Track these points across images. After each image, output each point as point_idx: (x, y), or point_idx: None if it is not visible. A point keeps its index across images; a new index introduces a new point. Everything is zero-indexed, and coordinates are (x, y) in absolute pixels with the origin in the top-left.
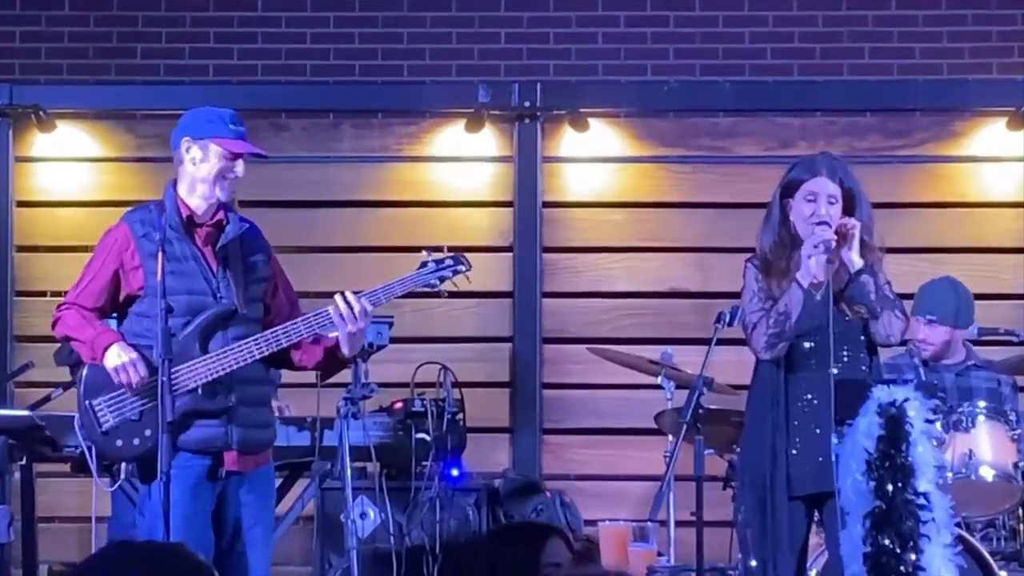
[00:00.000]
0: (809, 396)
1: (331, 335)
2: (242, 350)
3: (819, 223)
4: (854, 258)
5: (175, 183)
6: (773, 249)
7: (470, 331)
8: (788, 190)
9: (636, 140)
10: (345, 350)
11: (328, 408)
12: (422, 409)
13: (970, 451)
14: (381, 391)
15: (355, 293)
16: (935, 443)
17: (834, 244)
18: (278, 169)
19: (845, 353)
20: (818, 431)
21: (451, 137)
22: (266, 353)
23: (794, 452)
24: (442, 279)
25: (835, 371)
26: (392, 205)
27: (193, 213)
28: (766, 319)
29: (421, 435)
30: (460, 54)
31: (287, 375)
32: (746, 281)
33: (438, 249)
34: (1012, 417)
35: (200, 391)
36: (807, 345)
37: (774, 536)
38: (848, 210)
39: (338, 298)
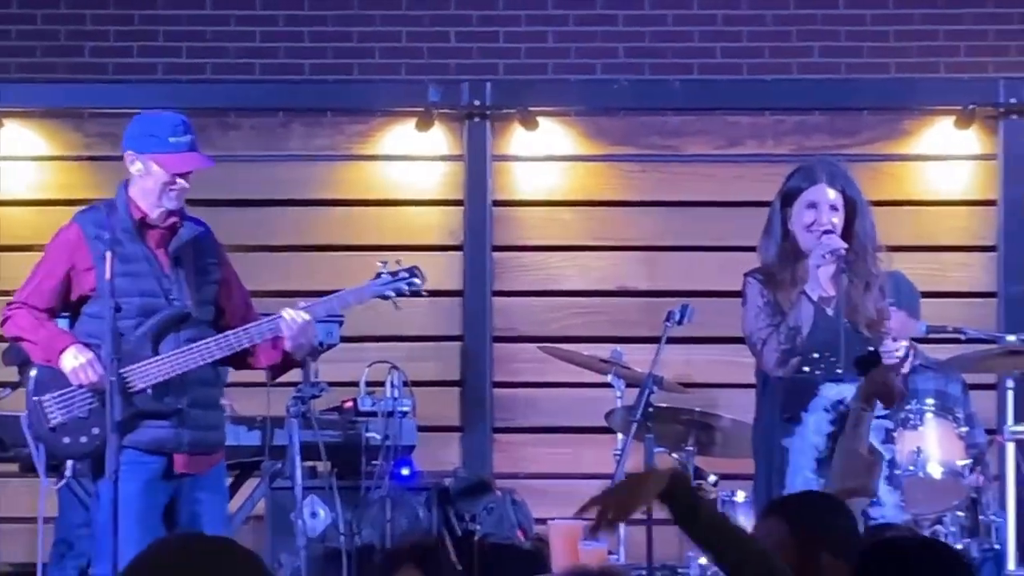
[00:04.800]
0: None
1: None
2: (196, 352)
3: (825, 231)
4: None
5: (127, 184)
6: (776, 261)
7: (420, 330)
8: (788, 199)
9: (586, 139)
10: (296, 356)
11: (278, 407)
12: (372, 408)
13: (918, 448)
14: (331, 390)
15: (308, 301)
16: (884, 441)
17: (843, 252)
18: (228, 168)
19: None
20: None
21: (401, 136)
22: (220, 356)
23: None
24: (397, 291)
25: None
26: (342, 204)
27: (146, 215)
28: (776, 335)
29: (371, 434)
30: (410, 53)
31: (237, 374)
32: (748, 297)
33: (396, 249)
34: (960, 415)
35: (151, 392)
36: (810, 364)
37: None
38: (849, 218)
39: (284, 314)
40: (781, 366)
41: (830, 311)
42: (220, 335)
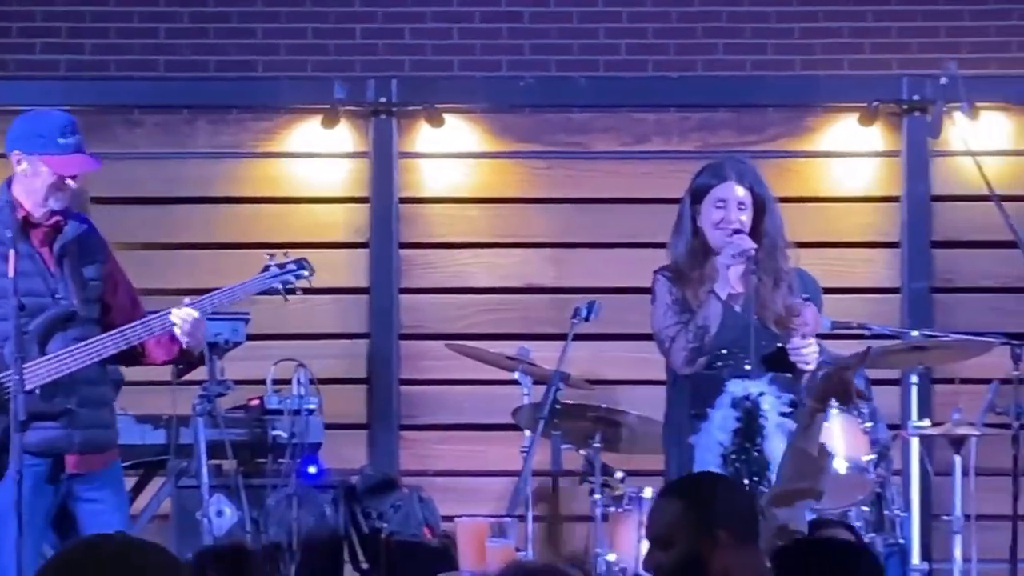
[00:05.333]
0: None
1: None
2: (87, 351)
3: (736, 231)
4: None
5: (10, 182)
6: (685, 258)
7: (327, 328)
8: (697, 196)
9: (492, 136)
10: (194, 352)
11: (184, 406)
12: (278, 406)
13: (823, 444)
14: (237, 388)
15: (198, 296)
16: (788, 436)
17: (752, 252)
18: (133, 166)
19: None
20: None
21: (306, 133)
22: (108, 355)
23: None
24: (284, 283)
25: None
26: (248, 201)
27: (29, 214)
28: (684, 333)
29: (278, 432)
30: (315, 50)
31: (143, 373)
32: (657, 294)
33: (302, 246)
34: (864, 410)
35: (39, 393)
36: (719, 360)
37: None
38: (758, 215)
39: (173, 316)
40: (689, 364)
41: (738, 308)
42: (111, 332)
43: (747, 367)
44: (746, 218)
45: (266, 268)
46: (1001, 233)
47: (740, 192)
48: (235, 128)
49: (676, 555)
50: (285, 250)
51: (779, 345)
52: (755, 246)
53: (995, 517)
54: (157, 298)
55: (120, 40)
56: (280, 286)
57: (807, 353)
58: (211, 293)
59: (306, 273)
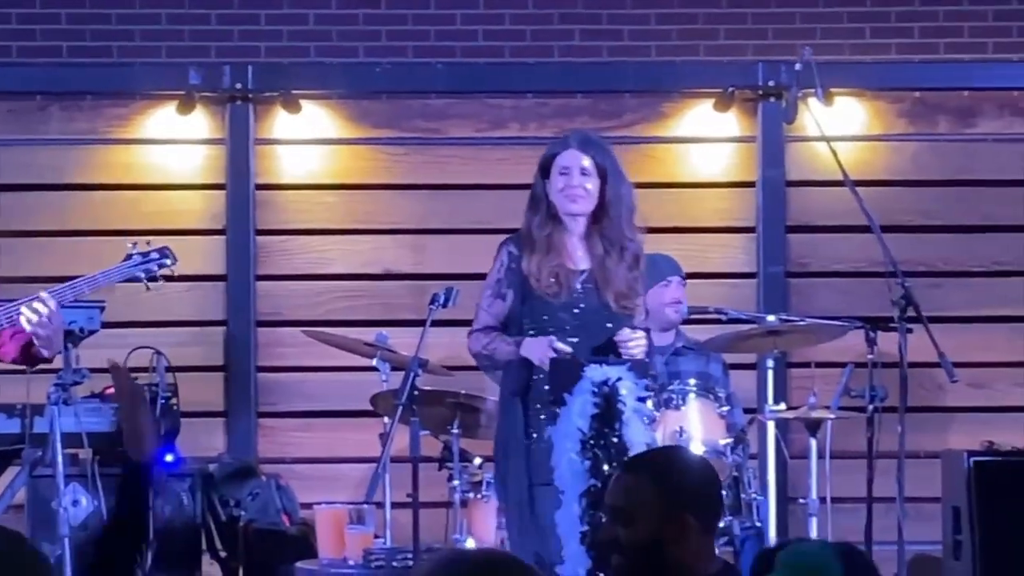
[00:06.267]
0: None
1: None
2: None
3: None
4: None
5: None
6: (534, 227)
7: (183, 315)
8: (544, 169)
9: (349, 122)
10: (44, 352)
11: (39, 394)
12: None
13: (681, 428)
14: (93, 376)
15: (58, 285)
16: (647, 421)
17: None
18: None
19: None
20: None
21: (162, 119)
22: None
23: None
24: (147, 272)
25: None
26: (103, 188)
27: None
28: (480, 338)
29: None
30: (170, 35)
31: None
32: (495, 262)
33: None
34: (721, 394)
35: None
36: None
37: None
38: (603, 185)
39: (24, 308)
40: (478, 362)
41: (578, 284)
42: None
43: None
44: (592, 186)
45: (128, 256)
46: (855, 218)
47: (583, 160)
48: (89, 114)
49: (636, 534)
50: (148, 238)
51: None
52: (567, 354)
53: (850, 499)
54: (9, 287)
55: None
56: (143, 275)
57: (633, 346)
58: (71, 282)
59: (169, 262)
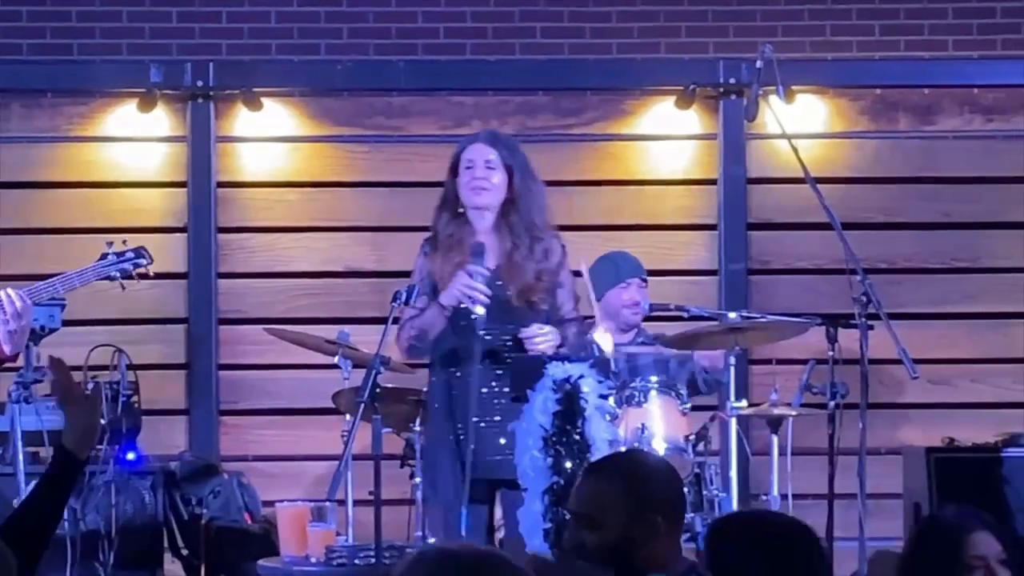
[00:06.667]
0: (484, 390)
1: None
2: None
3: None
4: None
5: None
6: (440, 227)
7: (145, 313)
8: (453, 168)
9: (310, 119)
10: (6, 348)
11: None
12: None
13: (643, 425)
14: None
15: (33, 283)
16: (609, 418)
17: (485, 300)
18: None
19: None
20: (494, 418)
21: (123, 117)
22: None
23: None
24: (122, 271)
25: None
26: (64, 186)
27: None
28: (409, 323)
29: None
30: (131, 33)
31: None
32: (415, 265)
33: (120, 231)
34: (682, 391)
35: None
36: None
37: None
38: (511, 181)
39: None
40: (408, 353)
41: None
42: None
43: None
44: (498, 180)
45: (104, 256)
46: (816, 215)
47: (488, 152)
48: (50, 112)
49: (604, 538)
50: (124, 237)
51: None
52: (485, 299)
53: (812, 496)
54: None
55: None
56: (118, 274)
57: (540, 342)
58: (47, 280)
59: (144, 261)
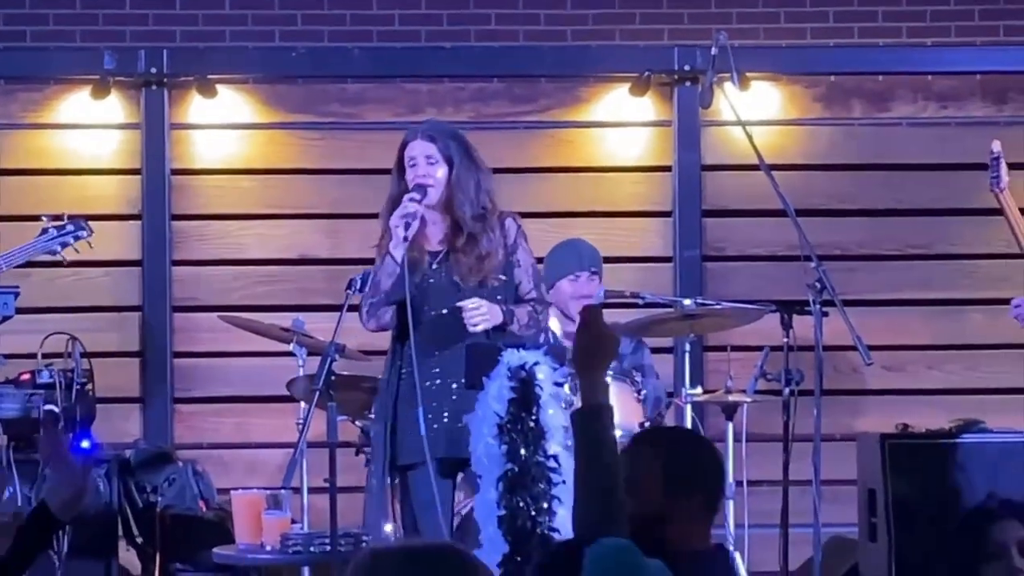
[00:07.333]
0: (437, 369)
1: None
2: None
3: (412, 190)
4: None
5: None
6: (386, 224)
7: (99, 300)
8: (399, 167)
9: (265, 106)
10: None
11: None
12: (50, 380)
13: None
14: (7, 363)
15: None
16: (564, 406)
17: (419, 210)
18: None
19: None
20: (450, 399)
21: (76, 104)
22: None
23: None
24: (63, 245)
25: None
26: (18, 173)
27: None
28: (366, 293)
29: (49, 406)
30: (84, 19)
31: None
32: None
33: (58, 217)
34: (637, 378)
35: None
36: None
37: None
38: (449, 171)
39: None
40: (371, 319)
41: (434, 264)
42: None
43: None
44: (441, 173)
45: (44, 231)
46: (771, 202)
47: (427, 147)
48: (3, 99)
49: (639, 508)
50: (63, 211)
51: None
52: (417, 206)
53: (767, 482)
54: None
55: None
56: (59, 247)
57: (473, 315)
58: None
59: (85, 233)
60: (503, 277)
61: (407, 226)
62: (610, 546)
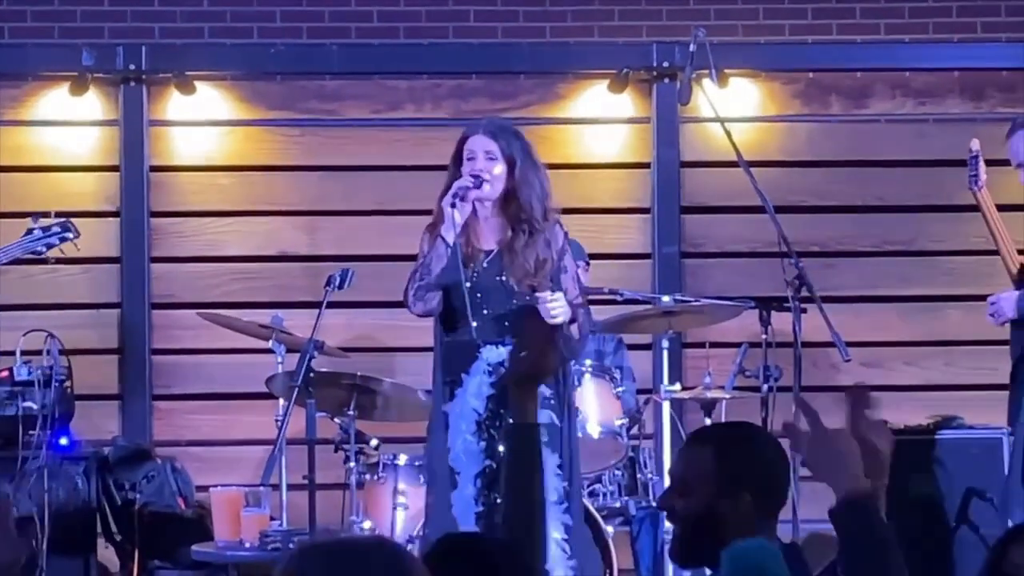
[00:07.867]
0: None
1: None
2: None
3: (469, 175)
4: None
5: None
6: (441, 213)
7: (78, 297)
8: (456, 158)
9: (243, 103)
10: None
11: None
12: (29, 377)
13: (577, 408)
14: None
15: None
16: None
17: (470, 193)
18: None
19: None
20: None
21: (55, 100)
22: None
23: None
24: (49, 246)
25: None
26: None
27: None
28: (414, 277)
29: (28, 404)
30: (62, 16)
31: None
32: (419, 250)
33: (46, 215)
34: (616, 374)
35: None
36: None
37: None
38: (510, 171)
39: None
40: (417, 302)
41: (484, 263)
42: None
43: (506, 325)
44: (499, 171)
45: (29, 231)
46: (749, 199)
47: (488, 143)
48: None
49: (690, 506)
50: (50, 210)
51: (528, 298)
52: (469, 185)
53: None
54: None
55: None
56: (44, 248)
57: (553, 307)
58: None
59: (71, 235)
60: (551, 283)
61: (460, 200)
62: (747, 547)
